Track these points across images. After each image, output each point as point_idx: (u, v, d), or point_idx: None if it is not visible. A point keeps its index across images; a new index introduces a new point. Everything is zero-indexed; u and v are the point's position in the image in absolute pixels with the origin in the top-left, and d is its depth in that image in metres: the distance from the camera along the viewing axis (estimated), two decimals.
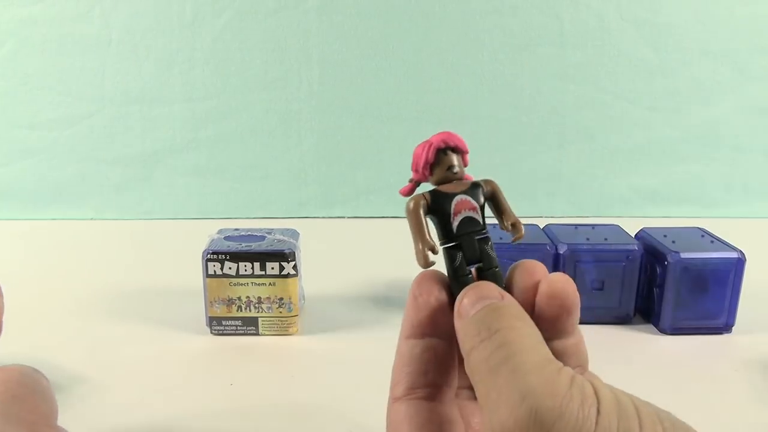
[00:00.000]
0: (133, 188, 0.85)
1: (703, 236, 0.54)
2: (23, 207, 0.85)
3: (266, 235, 0.53)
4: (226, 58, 0.82)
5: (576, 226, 0.56)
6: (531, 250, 0.51)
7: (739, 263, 0.50)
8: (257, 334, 0.51)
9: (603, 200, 0.86)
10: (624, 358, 0.48)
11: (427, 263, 0.27)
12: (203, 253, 0.50)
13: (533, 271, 0.26)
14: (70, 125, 0.83)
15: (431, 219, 0.28)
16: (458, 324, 0.25)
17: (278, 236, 0.52)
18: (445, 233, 0.27)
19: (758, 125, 0.85)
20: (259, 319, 0.51)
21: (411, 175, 0.29)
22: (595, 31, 0.82)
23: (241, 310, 0.51)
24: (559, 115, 0.82)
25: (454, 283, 0.27)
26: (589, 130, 0.83)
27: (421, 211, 0.27)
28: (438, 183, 0.28)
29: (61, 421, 0.38)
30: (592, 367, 0.41)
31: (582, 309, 0.55)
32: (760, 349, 0.49)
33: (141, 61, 0.82)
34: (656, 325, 0.52)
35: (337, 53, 0.82)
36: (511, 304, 0.24)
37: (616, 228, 0.56)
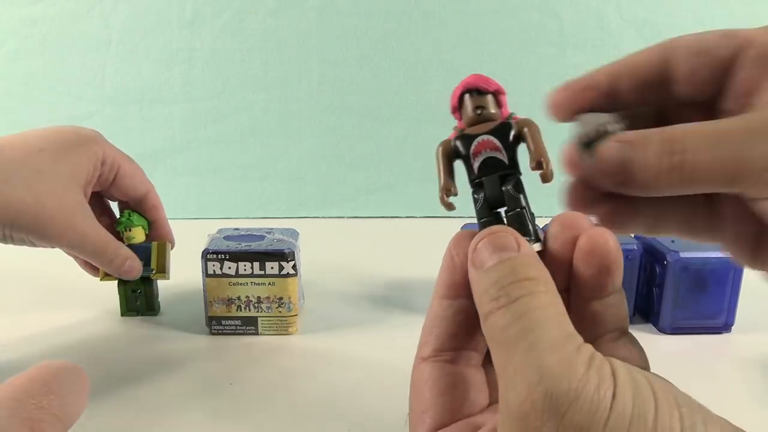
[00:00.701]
0: None
1: None
2: None
3: (266, 234, 0.53)
4: (226, 58, 0.82)
5: None
6: None
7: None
8: (257, 333, 0.51)
9: None
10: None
11: (445, 204, 0.27)
12: (203, 252, 0.50)
13: (573, 224, 0.25)
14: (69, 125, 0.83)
15: (462, 159, 0.27)
16: (473, 275, 0.24)
17: (278, 236, 0.52)
18: (470, 174, 0.27)
19: None
20: (259, 319, 0.51)
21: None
22: (595, 31, 0.82)
23: (240, 310, 0.51)
24: None
25: (480, 227, 0.26)
26: None
27: (442, 154, 0.27)
28: (467, 125, 0.27)
29: None
30: None
31: None
32: (759, 349, 0.50)
33: (141, 61, 0.82)
34: (655, 325, 0.52)
35: (337, 53, 0.82)
36: (529, 260, 0.23)
37: None
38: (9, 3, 0.80)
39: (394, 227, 0.82)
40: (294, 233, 0.54)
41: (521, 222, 0.26)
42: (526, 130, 0.27)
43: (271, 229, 0.54)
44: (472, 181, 0.27)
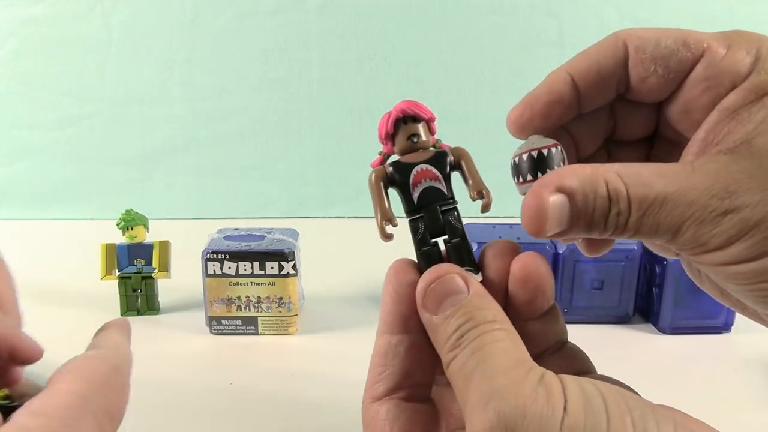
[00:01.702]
0: (133, 188, 0.85)
1: None
2: (23, 207, 0.86)
3: (266, 234, 0.53)
4: (226, 58, 0.82)
5: None
6: (530, 250, 0.51)
7: None
8: (257, 333, 0.51)
9: None
10: (623, 358, 0.48)
11: (384, 235, 0.26)
12: (203, 252, 0.50)
13: (504, 251, 0.26)
14: (70, 125, 0.83)
15: (396, 191, 0.27)
16: (429, 322, 0.24)
17: (278, 236, 0.52)
18: (408, 204, 0.27)
19: None
20: (259, 319, 0.51)
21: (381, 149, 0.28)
22: (595, 31, 0.82)
23: (240, 310, 0.51)
24: None
25: (419, 257, 0.26)
26: None
27: (381, 183, 0.27)
28: (401, 153, 0.27)
29: None
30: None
31: (581, 309, 0.55)
32: (759, 349, 0.50)
33: (141, 61, 0.82)
34: (655, 325, 0.52)
35: (337, 53, 0.82)
36: (482, 301, 0.23)
37: None
38: (9, 3, 0.80)
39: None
40: (294, 233, 0.54)
41: (462, 252, 0.26)
42: (462, 161, 0.27)
43: (271, 229, 0.54)
44: (410, 211, 0.27)
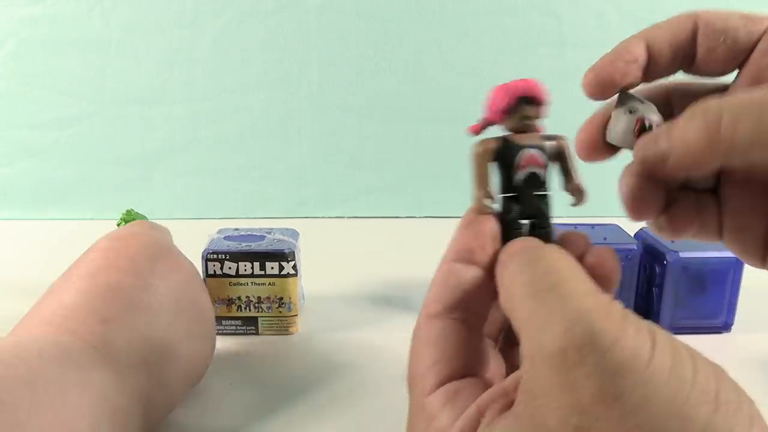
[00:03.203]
0: (133, 188, 0.85)
1: None
2: (23, 207, 0.86)
3: (266, 234, 0.53)
4: (226, 58, 0.82)
5: (575, 225, 0.56)
6: None
7: (738, 262, 0.50)
8: (257, 333, 0.51)
9: (603, 200, 0.86)
10: None
11: (481, 210, 0.27)
12: (203, 252, 0.50)
13: (577, 243, 0.26)
14: (70, 125, 0.83)
15: (497, 165, 0.27)
16: (499, 271, 0.25)
17: (278, 236, 0.52)
18: (507, 183, 0.27)
19: None
20: (259, 319, 0.51)
21: (479, 117, 0.28)
22: (595, 31, 0.82)
23: (240, 310, 0.51)
24: (559, 115, 0.82)
25: (505, 234, 0.26)
26: None
27: (488, 157, 0.27)
28: (512, 131, 0.27)
29: None
30: None
31: None
32: (759, 349, 0.50)
33: (141, 61, 0.82)
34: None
35: (337, 53, 0.82)
36: (556, 249, 0.24)
37: (616, 228, 0.56)
38: (9, 3, 0.80)
39: (394, 227, 0.82)
40: (294, 233, 0.54)
41: (549, 240, 0.26)
42: (565, 153, 0.27)
43: (271, 229, 0.54)
44: (508, 189, 0.27)
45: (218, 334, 0.51)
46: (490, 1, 0.81)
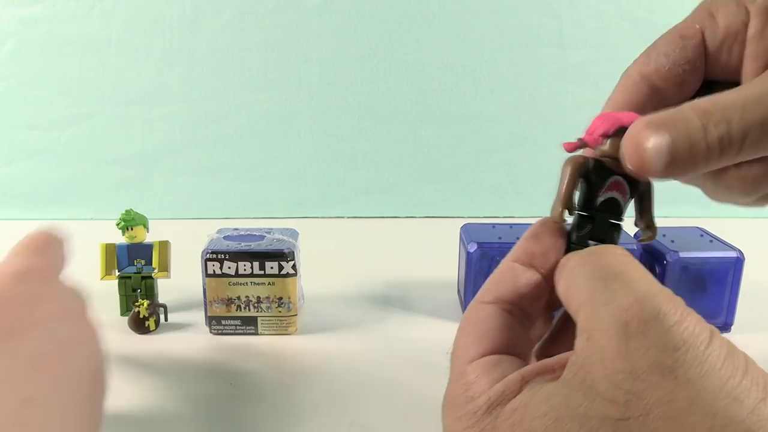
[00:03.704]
0: (133, 188, 0.85)
1: (702, 235, 0.54)
2: (23, 207, 0.86)
3: (265, 234, 0.53)
4: (225, 58, 0.82)
5: None
6: None
7: (738, 262, 0.50)
8: (256, 333, 0.51)
9: None
10: None
11: (557, 218, 0.28)
12: (202, 252, 0.50)
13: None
14: (70, 125, 0.83)
15: (581, 182, 0.28)
16: (558, 269, 0.26)
17: (277, 236, 0.52)
18: (587, 201, 0.28)
19: None
20: (259, 319, 0.51)
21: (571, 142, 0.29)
22: (595, 31, 0.82)
23: (240, 310, 0.51)
24: (558, 115, 0.82)
25: (569, 249, 0.28)
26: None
27: (578, 171, 0.28)
28: (603, 156, 0.28)
29: None
30: None
31: None
32: (759, 349, 0.49)
33: (141, 61, 0.82)
34: None
35: (337, 53, 0.82)
36: (620, 248, 0.26)
37: None
38: (9, 3, 0.80)
39: (394, 227, 0.82)
40: (294, 233, 0.54)
41: None
42: (648, 193, 0.29)
43: (271, 229, 0.54)
44: (586, 208, 0.28)
45: (218, 333, 0.51)
46: (490, 1, 0.81)
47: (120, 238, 0.54)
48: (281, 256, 0.49)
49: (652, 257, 0.52)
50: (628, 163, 0.26)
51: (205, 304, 0.51)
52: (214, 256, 0.49)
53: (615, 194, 0.28)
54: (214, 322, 0.51)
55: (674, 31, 0.31)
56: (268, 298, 0.50)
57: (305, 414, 0.41)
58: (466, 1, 0.80)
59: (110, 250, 0.54)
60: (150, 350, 0.49)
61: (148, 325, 0.51)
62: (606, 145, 0.28)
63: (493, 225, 0.55)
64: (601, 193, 0.28)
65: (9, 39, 0.81)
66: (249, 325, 0.51)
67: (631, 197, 0.28)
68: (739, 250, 0.51)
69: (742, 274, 0.50)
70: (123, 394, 0.43)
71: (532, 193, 0.84)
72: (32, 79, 0.82)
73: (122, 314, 0.54)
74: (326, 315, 0.55)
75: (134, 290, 0.54)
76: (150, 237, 0.54)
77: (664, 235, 0.53)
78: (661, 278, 0.51)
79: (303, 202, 0.86)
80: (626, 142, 0.26)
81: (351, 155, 0.85)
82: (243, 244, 0.51)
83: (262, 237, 0.52)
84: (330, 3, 0.80)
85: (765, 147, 0.24)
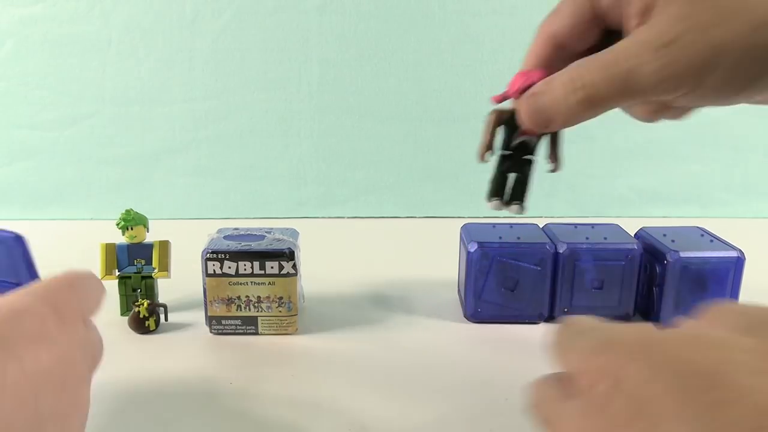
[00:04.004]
0: (133, 188, 0.85)
1: (702, 235, 0.54)
2: (23, 207, 0.86)
3: (266, 234, 0.53)
4: (226, 58, 0.82)
5: (575, 225, 0.56)
6: (531, 250, 0.51)
7: (738, 262, 0.50)
8: (257, 333, 0.51)
9: (602, 200, 0.86)
10: None
11: (480, 158, 0.38)
12: (202, 252, 0.50)
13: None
14: (70, 125, 0.84)
15: (503, 128, 0.37)
16: None
17: (278, 235, 0.52)
18: (505, 144, 0.37)
19: (758, 125, 0.85)
20: (259, 319, 0.51)
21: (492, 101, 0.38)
22: None
23: (240, 310, 0.51)
24: None
25: (495, 177, 0.38)
26: (589, 130, 0.82)
27: (496, 121, 0.37)
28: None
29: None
30: None
31: (581, 308, 0.56)
32: None
33: (141, 61, 0.82)
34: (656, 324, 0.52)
35: (337, 53, 0.82)
36: None
37: (616, 227, 0.56)
38: (9, 3, 0.80)
39: (394, 227, 0.82)
40: (294, 233, 0.54)
41: (519, 188, 0.38)
42: (556, 133, 0.37)
43: (271, 228, 0.54)
44: (505, 148, 0.38)
45: (218, 333, 0.51)
46: (490, 1, 0.81)
47: (120, 238, 0.54)
48: (281, 255, 0.49)
49: (652, 257, 0.52)
50: (521, 122, 0.34)
51: (205, 304, 0.51)
52: (215, 255, 0.49)
53: (527, 138, 0.37)
54: (215, 322, 0.51)
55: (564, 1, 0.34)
56: (268, 297, 0.50)
57: (305, 414, 0.41)
58: (466, 1, 0.80)
59: (110, 250, 0.54)
60: (150, 350, 0.49)
61: (148, 325, 0.51)
62: (519, 102, 0.35)
63: (494, 225, 0.55)
64: (516, 136, 0.37)
65: (9, 39, 0.81)
66: (249, 324, 0.51)
67: (540, 137, 0.37)
68: (740, 250, 0.51)
69: (743, 274, 0.50)
70: (123, 394, 0.43)
71: (532, 192, 0.84)
72: (32, 79, 0.82)
73: (122, 314, 0.54)
74: (326, 315, 0.55)
75: (134, 290, 0.54)
76: (150, 237, 0.54)
77: (664, 235, 0.54)
78: (662, 278, 0.51)
79: (303, 202, 0.86)
80: (518, 106, 0.34)
81: (351, 155, 0.85)
82: (243, 243, 0.51)
83: (262, 237, 0.52)
84: (330, 3, 0.80)
85: (627, 99, 0.29)
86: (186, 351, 0.49)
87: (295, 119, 0.84)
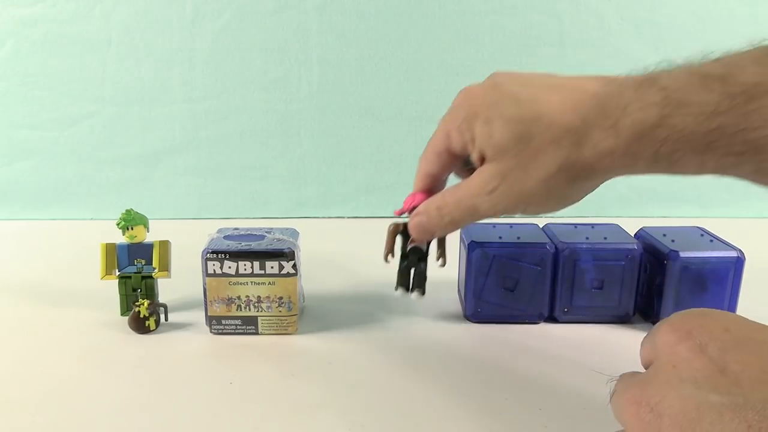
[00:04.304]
0: (133, 188, 0.85)
1: (702, 235, 0.54)
2: (23, 207, 0.86)
3: (266, 234, 0.53)
4: (226, 58, 0.82)
5: (575, 225, 0.56)
6: (531, 250, 0.51)
7: (738, 262, 0.50)
8: (257, 333, 0.51)
9: (602, 200, 0.86)
10: (624, 358, 0.48)
11: (385, 260, 0.48)
12: (203, 252, 0.50)
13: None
14: (70, 125, 0.83)
15: (400, 236, 0.48)
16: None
17: (278, 235, 0.52)
18: (403, 248, 0.48)
19: None
20: (259, 319, 0.51)
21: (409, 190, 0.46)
22: (595, 31, 0.82)
23: (240, 310, 0.51)
24: None
25: (401, 271, 0.48)
26: None
27: (394, 232, 0.48)
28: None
29: (49, 420, 0.38)
30: (592, 365, 0.42)
31: (581, 308, 0.56)
32: None
33: (141, 61, 0.82)
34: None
35: (337, 53, 0.82)
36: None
37: (616, 227, 0.56)
38: (9, 3, 0.80)
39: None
40: (294, 233, 0.54)
41: (418, 279, 0.48)
42: (442, 239, 0.48)
43: (271, 228, 0.54)
44: (403, 251, 0.48)
45: (218, 333, 0.51)
46: (490, 1, 0.81)
47: (120, 238, 0.54)
48: (282, 255, 0.49)
49: (653, 257, 0.52)
50: (410, 233, 0.45)
51: (206, 304, 0.51)
52: (215, 255, 0.49)
53: (417, 243, 0.47)
54: (215, 322, 0.51)
55: (431, 149, 0.43)
56: (268, 297, 0.50)
57: (305, 414, 0.41)
58: (466, 1, 0.80)
59: (110, 249, 0.54)
60: (150, 350, 0.49)
61: (148, 324, 0.51)
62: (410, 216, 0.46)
63: (494, 225, 0.55)
64: (409, 242, 0.47)
65: (9, 39, 0.81)
66: (249, 324, 0.51)
67: (429, 242, 0.47)
68: (740, 250, 0.51)
69: (743, 274, 0.50)
70: (123, 394, 0.43)
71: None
72: (32, 79, 0.82)
73: (122, 314, 0.54)
74: (326, 315, 0.55)
75: (134, 290, 0.54)
76: (150, 237, 0.54)
77: (664, 235, 0.53)
78: (662, 278, 0.51)
79: (303, 202, 0.86)
80: (409, 222, 0.45)
81: (351, 155, 0.85)
82: (243, 243, 0.51)
83: (262, 237, 0.52)
84: (330, 3, 0.80)
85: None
86: (186, 351, 0.49)
87: (295, 119, 0.84)
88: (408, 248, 0.48)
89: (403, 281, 0.50)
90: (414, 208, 0.45)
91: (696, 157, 0.33)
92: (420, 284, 0.49)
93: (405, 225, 0.47)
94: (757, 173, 0.33)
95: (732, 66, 0.32)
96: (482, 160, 0.39)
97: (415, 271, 0.49)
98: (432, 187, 0.45)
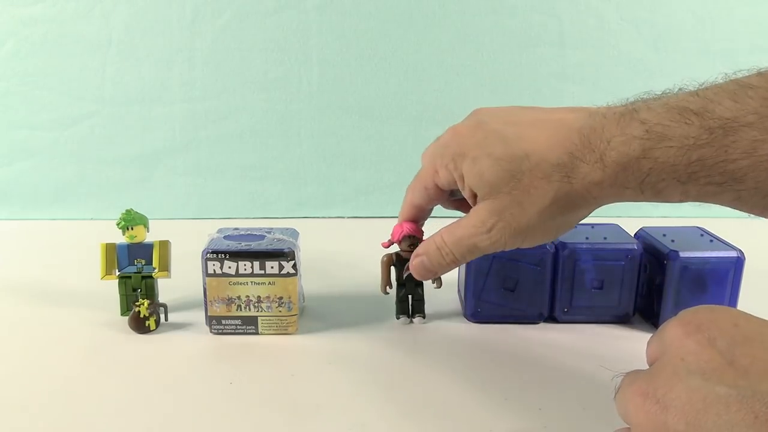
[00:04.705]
0: (133, 188, 0.85)
1: (702, 235, 0.54)
2: (23, 207, 0.86)
3: (266, 234, 0.53)
4: (226, 58, 0.82)
5: (575, 225, 0.56)
6: (531, 250, 0.51)
7: (738, 262, 0.50)
8: (257, 333, 0.51)
9: None
10: (623, 358, 0.48)
11: (384, 293, 0.52)
12: (203, 252, 0.50)
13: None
14: (70, 125, 0.84)
15: (394, 267, 0.51)
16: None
17: (278, 235, 0.52)
18: (399, 278, 0.52)
19: None
20: (259, 319, 0.51)
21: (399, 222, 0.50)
22: (595, 31, 0.82)
23: (240, 310, 0.51)
24: None
25: (397, 301, 0.53)
26: None
27: (388, 263, 0.52)
28: (402, 251, 0.50)
29: (49, 420, 0.38)
30: (592, 365, 0.42)
31: (581, 308, 0.56)
32: None
33: (141, 61, 0.82)
34: (656, 325, 0.52)
35: (337, 53, 0.82)
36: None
37: (616, 227, 0.56)
38: (9, 3, 0.80)
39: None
40: (294, 233, 0.54)
41: (418, 306, 0.53)
42: None
43: (271, 228, 0.54)
44: (399, 280, 0.52)
45: (218, 333, 0.51)
46: (490, 1, 0.81)
47: (120, 238, 0.54)
48: (282, 255, 0.49)
49: (653, 257, 0.52)
50: (413, 274, 0.45)
51: (206, 304, 0.51)
52: (215, 255, 0.49)
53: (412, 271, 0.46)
54: (215, 322, 0.51)
55: (419, 183, 0.45)
56: (268, 297, 0.50)
57: (305, 414, 0.41)
58: (466, 1, 0.80)
59: (110, 249, 0.54)
60: (150, 350, 0.49)
61: (148, 324, 0.51)
62: (401, 246, 0.49)
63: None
64: (405, 272, 0.48)
65: (9, 39, 0.81)
66: (249, 324, 0.51)
67: None
68: (740, 250, 0.51)
69: (743, 274, 0.50)
70: (123, 394, 0.43)
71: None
72: (32, 79, 0.82)
73: (122, 314, 0.54)
74: (326, 315, 0.55)
75: (134, 290, 0.54)
76: (150, 237, 0.54)
77: (664, 235, 0.53)
78: (662, 278, 0.51)
79: (303, 202, 0.86)
80: (410, 263, 0.45)
81: (351, 155, 0.85)
82: (243, 243, 0.51)
83: (262, 237, 0.52)
84: (330, 3, 0.80)
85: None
86: (186, 351, 0.49)
87: (295, 119, 0.84)
88: (404, 276, 0.50)
89: (403, 309, 0.53)
90: (405, 236, 0.48)
91: (679, 186, 0.34)
92: (420, 309, 0.53)
93: (398, 254, 0.50)
94: (737, 201, 0.35)
95: (708, 100, 0.33)
96: (474, 197, 0.41)
97: (413, 297, 0.52)
98: (419, 217, 0.48)
